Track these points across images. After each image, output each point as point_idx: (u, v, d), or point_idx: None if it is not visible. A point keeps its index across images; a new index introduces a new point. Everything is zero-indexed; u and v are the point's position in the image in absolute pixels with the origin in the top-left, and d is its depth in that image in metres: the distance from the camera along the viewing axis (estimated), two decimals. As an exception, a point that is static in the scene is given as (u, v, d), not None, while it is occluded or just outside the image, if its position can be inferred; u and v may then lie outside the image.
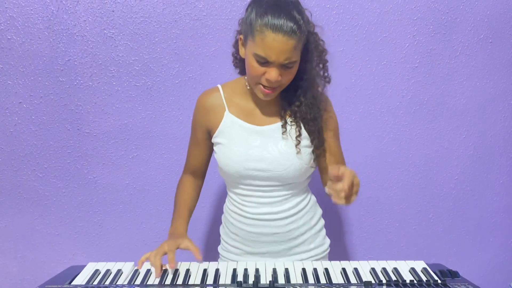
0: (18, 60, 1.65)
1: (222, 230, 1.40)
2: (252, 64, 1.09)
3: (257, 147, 1.20)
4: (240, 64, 1.29)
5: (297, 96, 1.21)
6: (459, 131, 1.90)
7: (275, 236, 1.27)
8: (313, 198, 1.38)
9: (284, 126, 1.21)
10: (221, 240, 1.40)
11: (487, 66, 1.82)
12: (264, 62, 1.07)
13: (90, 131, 1.75)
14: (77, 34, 1.64)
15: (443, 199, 1.98)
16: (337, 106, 1.79)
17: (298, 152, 1.20)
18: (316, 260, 1.32)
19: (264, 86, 1.12)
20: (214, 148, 1.28)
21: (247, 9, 1.13)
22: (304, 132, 1.22)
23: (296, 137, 1.20)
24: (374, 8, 1.72)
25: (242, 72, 1.29)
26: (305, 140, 1.23)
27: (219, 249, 1.42)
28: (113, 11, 1.64)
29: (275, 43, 1.03)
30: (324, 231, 1.39)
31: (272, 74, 1.07)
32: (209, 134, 1.29)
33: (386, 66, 1.79)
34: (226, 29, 1.68)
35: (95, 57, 1.67)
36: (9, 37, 1.62)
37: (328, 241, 1.39)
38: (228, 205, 1.35)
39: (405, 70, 1.80)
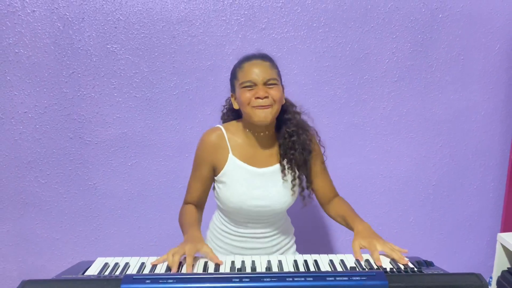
0: (25, 73, 1.75)
1: (210, 234, 1.52)
2: (242, 95, 1.28)
3: (259, 187, 1.35)
4: (232, 114, 1.47)
5: (292, 142, 1.37)
6: (435, 140, 2.05)
7: (258, 250, 1.44)
8: (289, 218, 1.57)
9: (283, 171, 1.38)
10: (207, 238, 1.52)
11: (460, 80, 1.99)
12: (249, 85, 1.26)
13: (91, 140, 1.85)
14: (81, 48, 1.75)
15: (422, 204, 2.12)
16: (323, 117, 1.95)
17: (292, 194, 1.39)
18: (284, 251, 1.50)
19: (257, 108, 1.26)
20: (217, 184, 1.40)
21: (230, 79, 1.39)
22: (296, 173, 1.40)
23: (292, 181, 1.38)
24: (357, 27, 1.87)
25: (235, 117, 1.46)
26: (297, 185, 1.41)
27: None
28: (115, 28, 1.75)
29: (252, 66, 1.28)
30: (295, 246, 1.57)
31: (259, 91, 1.25)
32: (214, 171, 1.39)
33: (368, 80, 1.93)
34: (221, 46, 1.81)
35: (98, 70, 1.78)
36: (17, 51, 1.73)
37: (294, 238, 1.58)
38: (216, 223, 1.48)
39: (385, 84, 1.95)
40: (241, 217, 1.40)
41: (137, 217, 1.96)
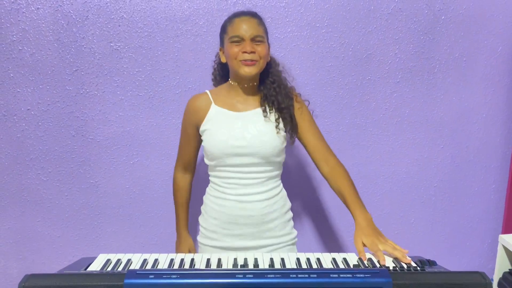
0: (28, 70, 1.75)
1: (201, 218, 1.56)
2: (230, 49, 1.36)
3: (239, 128, 1.40)
4: (220, 73, 1.56)
5: (273, 88, 1.44)
6: (437, 142, 2.05)
7: (250, 219, 1.43)
8: (284, 191, 1.55)
9: (264, 111, 1.43)
10: (200, 229, 1.55)
11: (462, 82, 1.99)
12: (237, 40, 1.35)
13: (93, 138, 1.85)
14: (85, 46, 1.76)
15: (423, 205, 2.12)
16: (325, 117, 1.95)
17: (277, 132, 1.42)
18: (285, 246, 1.49)
19: (244, 62, 1.35)
20: (202, 136, 1.46)
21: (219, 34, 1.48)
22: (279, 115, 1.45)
23: (276, 120, 1.43)
24: (360, 28, 1.88)
25: (221, 81, 1.56)
26: (280, 124, 1.44)
27: (198, 238, 1.55)
28: (119, 26, 1.76)
29: (241, 22, 1.36)
30: (292, 222, 1.56)
31: (247, 46, 1.34)
32: (197, 129, 1.47)
33: (370, 81, 1.94)
34: (224, 44, 1.81)
35: (101, 68, 1.79)
36: (20, 48, 1.73)
37: (295, 232, 1.55)
38: (209, 192, 1.52)
39: (388, 85, 1.95)
40: (226, 171, 1.43)
41: (139, 215, 1.96)
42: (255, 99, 1.47)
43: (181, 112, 1.83)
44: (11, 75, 1.75)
